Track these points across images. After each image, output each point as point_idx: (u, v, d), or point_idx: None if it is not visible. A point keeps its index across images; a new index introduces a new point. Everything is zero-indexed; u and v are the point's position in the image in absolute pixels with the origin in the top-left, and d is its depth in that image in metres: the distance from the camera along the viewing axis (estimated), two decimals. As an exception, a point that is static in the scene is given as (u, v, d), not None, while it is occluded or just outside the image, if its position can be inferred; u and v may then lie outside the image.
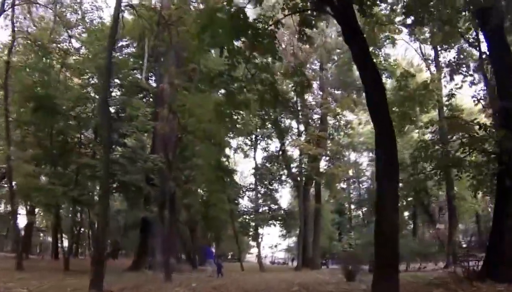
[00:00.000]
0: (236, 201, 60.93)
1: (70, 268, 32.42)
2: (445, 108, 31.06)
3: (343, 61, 49.05)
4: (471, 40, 27.22)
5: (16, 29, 36.44)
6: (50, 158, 35.29)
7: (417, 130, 45.44)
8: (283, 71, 23.12)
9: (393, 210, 13.40)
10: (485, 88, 27.33)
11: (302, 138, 56.16)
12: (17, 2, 36.14)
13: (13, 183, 35.32)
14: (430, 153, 20.62)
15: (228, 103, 18.04)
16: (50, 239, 70.24)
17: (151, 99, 43.64)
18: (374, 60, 17.93)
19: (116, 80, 36.68)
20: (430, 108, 31.33)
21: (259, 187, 63.98)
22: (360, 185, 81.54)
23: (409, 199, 47.45)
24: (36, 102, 33.13)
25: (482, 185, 20.75)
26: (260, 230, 66.69)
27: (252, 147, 62.73)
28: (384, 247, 12.98)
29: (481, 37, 25.79)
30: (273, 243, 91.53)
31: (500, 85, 19.61)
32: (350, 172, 72.16)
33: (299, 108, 56.44)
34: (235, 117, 24.08)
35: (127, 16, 38.50)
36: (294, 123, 60.79)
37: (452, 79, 28.16)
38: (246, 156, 64.88)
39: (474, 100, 26.21)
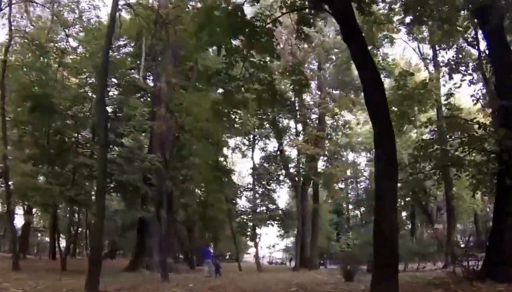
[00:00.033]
0: (234, 201, 61.05)
1: (68, 268, 32.32)
2: (443, 107, 31.03)
3: (341, 61, 48.90)
4: (470, 39, 27.16)
5: (13, 28, 36.36)
6: (47, 158, 35.11)
7: (415, 130, 45.53)
8: (281, 70, 23.06)
9: (392, 209, 13.26)
10: (484, 87, 27.29)
11: (300, 138, 56.05)
12: (14, 1, 36.08)
13: (10, 182, 35.16)
14: (429, 152, 20.54)
15: (225, 102, 17.91)
16: (48, 239, 70.07)
17: (148, 99, 43.55)
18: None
19: (114, 80, 36.60)
20: (428, 108, 31.29)
21: (257, 187, 64.16)
22: (358, 185, 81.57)
23: (407, 199, 47.48)
24: (33, 102, 32.95)
25: (481, 184, 20.66)
26: (258, 230, 66.81)
27: (250, 147, 62.78)
28: (383, 246, 12.85)
29: (480, 36, 25.84)
30: (271, 243, 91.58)
31: (500, 84, 19.50)
32: (348, 172, 72.11)
33: (297, 108, 56.36)
34: (233, 116, 23.99)
35: (125, 15, 38.38)
36: (292, 123, 60.99)
37: (451, 78, 28.04)
38: (244, 155, 65.02)
39: (473, 100, 26.20)
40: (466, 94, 29.48)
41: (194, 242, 56.85)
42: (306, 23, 17.52)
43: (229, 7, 14.75)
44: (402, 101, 24.31)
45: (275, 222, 66.51)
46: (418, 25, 26.19)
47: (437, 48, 36.31)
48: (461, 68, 28.11)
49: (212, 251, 45.81)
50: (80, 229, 60.21)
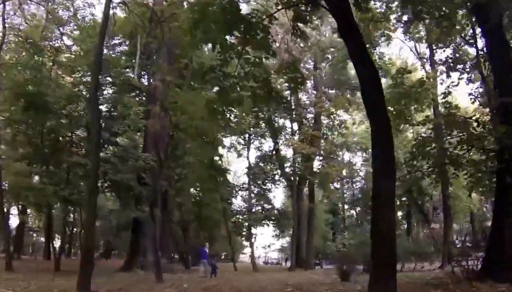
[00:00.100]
0: (229, 201, 60.81)
1: (62, 269, 32.19)
2: (440, 106, 30.90)
3: (337, 60, 48.75)
4: (467, 37, 27.03)
5: (7, 25, 36.13)
6: (41, 157, 34.89)
7: (411, 130, 45.46)
8: (277, 68, 22.82)
9: (390, 208, 13.10)
10: (481, 86, 27.15)
11: (296, 137, 55.95)
12: (7, -2, 35.85)
13: (3, 182, 34.91)
14: (427, 150, 20.38)
15: (220, 100, 17.73)
16: (43, 239, 69.87)
17: (143, 98, 43.38)
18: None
19: (108, 79, 36.36)
20: (425, 107, 31.15)
21: (252, 187, 63.90)
22: (354, 185, 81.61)
23: (403, 199, 47.38)
24: (27, 100, 32.71)
25: (479, 183, 20.51)
26: (253, 230, 66.58)
27: (246, 146, 62.60)
28: (381, 245, 12.65)
29: (478, 35, 25.71)
30: (267, 243, 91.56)
31: (499, 83, 19.38)
32: (344, 172, 72.08)
33: (293, 107, 56.20)
34: (228, 115, 23.80)
35: (120, 13, 38.20)
36: (287, 123, 60.86)
37: (448, 76, 27.91)
38: (239, 155, 64.80)
39: (470, 98, 26.05)
40: (463, 93, 29.43)
41: (190, 242, 56.72)
42: (302, 20, 17.33)
43: (224, 1, 14.52)
44: (399, 100, 24.12)
45: (271, 221, 66.24)
46: (416, 22, 26.06)
47: (434, 47, 36.28)
48: (458, 66, 28.00)
49: (207, 251, 45.57)
50: (75, 229, 59.99)
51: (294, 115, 56.98)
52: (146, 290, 20.44)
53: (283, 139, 59.86)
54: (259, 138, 62.56)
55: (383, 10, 24.87)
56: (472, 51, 29.22)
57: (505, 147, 16.71)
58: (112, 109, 36.52)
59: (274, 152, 60.23)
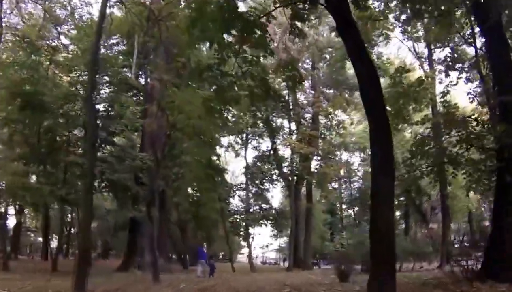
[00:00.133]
0: (227, 201, 60.65)
1: (59, 269, 32.14)
2: (439, 106, 30.84)
3: (335, 60, 48.67)
4: (466, 36, 26.97)
5: (4, 24, 35.98)
6: (37, 157, 34.75)
7: (409, 130, 45.42)
8: (275, 67, 22.75)
9: (388, 206, 13.08)
10: (480, 85, 27.08)
11: (294, 137, 55.77)
12: (4, -4, 35.75)
13: (0, 182, 34.81)
14: (426, 149, 20.30)
15: (217, 99, 17.65)
16: (40, 239, 69.74)
17: (141, 98, 43.28)
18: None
19: (106, 78, 36.25)
20: (423, 107, 31.08)
21: (250, 186, 63.85)
22: (352, 185, 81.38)
23: (401, 199, 47.32)
24: (23, 100, 32.56)
25: (478, 182, 20.43)
26: (251, 230, 66.47)
27: (243, 146, 62.44)
28: (379, 244, 12.61)
29: (477, 34, 25.63)
30: (264, 243, 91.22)
31: (499, 82, 19.29)
32: (342, 172, 71.96)
33: (291, 107, 56.09)
34: (226, 114, 23.69)
35: (117, 12, 38.15)
36: (285, 123, 60.66)
37: (447, 75, 27.82)
38: (237, 155, 64.60)
39: (469, 98, 25.96)
40: (461, 92, 29.32)
41: (187, 242, 56.62)
42: (300, 18, 17.26)
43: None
44: (397, 99, 24.05)
45: (269, 221, 66.16)
46: (415, 20, 26.01)
47: (432, 47, 36.26)
48: (457, 65, 27.94)
49: (205, 251, 45.47)
50: (73, 229, 59.84)
51: (292, 115, 56.90)
52: (143, 290, 20.38)
53: (281, 139, 59.68)
54: (257, 138, 62.38)
55: (381, 9, 24.74)
56: (470, 50, 29.25)
57: (504, 146, 16.63)
58: (109, 108, 36.41)
59: (272, 152, 60.05)
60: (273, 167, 61.53)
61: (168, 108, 32.05)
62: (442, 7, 20.43)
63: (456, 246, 41.04)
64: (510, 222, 16.30)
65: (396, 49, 77.11)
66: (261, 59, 17.09)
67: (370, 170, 15.10)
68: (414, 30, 33.12)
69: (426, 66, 42.64)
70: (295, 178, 56.59)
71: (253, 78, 16.95)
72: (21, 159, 35.75)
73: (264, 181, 64.06)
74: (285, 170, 59.21)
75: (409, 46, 45.08)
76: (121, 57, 42.29)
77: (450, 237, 46.17)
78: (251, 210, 63.52)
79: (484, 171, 19.41)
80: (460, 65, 28.10)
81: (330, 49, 51.50)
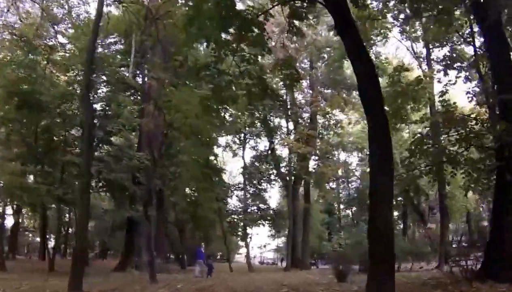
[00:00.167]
0: (225, 201, 60.49)
1: (57, 269, 31.98)
2: (437, 105, 30.78)
3: (333, 59, 48.59)
4: (465, 36, 26.94)
5: (1, 23, 35.88)
6: (34, 156, 34.65)
7: (407, 130, 45.40)
8: (272, 66, 22.66)
9: (387, 205, 13.03)
10: (479, 84, 27.04)
11: (292, 137, 55.73)
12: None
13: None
14: (425, 148, 20.24)
15: (214, 98, 17.56)
16: (38, 239, 69.59)
17: (139, 97, 43.17)
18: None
19: (103, 77, 36.16)
20: (422, 106, 31.03)
21: (248, 186, 63.75)
22: (349, 185, 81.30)
23: (399, 199, 47.26)
24: (20, 99, 32.45)
25: (477, 182, 20.35)
26: (249, 230, 66.52)
27: (241, 146, 62.34)
28: (378, 242, 12.54)
29: (476, 33, 25.60)
30: (262, 243, 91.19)
31: (498, 80, 19.27)
32: (340, 172, 71.85)
33: (288, 106, 56.00)
34: (223, 114, 23.60)
35: (114, 11, 38.09)
36: (283, 122, 60.67)
37: (446, 74, 27.78)
38: (234, 154, 64.47)
39: (468, 97, 25.91)
40: (460, 92, 29.28)
41: (185, 242, 56.54)
42: (298, 17, 17.16)
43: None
44: (396, 98, 23.98)
45: (266, 221, 66.12)
46: (413, 19, 26.00)
47: (431, 46, 36.23)
48: (456, 64, 27.92)
49: (203, 251, 45.40)
50: (70, 229, 59.70)
51: (289, 115, 56.82)
52: (140, 290, 20.29)
53: (278, 138, 59.77)
54: (254, 137, 62.36)
55: (380, 8, 24.69)
56: (468, 50, 29.21)
57: (505, 144, 16.55)
58: (107, 108, 36.34)
59: (269, 152, 60.10)
60: (271, 166, 61.61)
61: (165, 107, 31.97)
62: (441, 6, 20.34)
63: (454, 246, 41.01)
64: (510, 220, 16.25)
65: (394, 49, 77.31)
66: (259, 58, 17.02)
67: (368, 169, 15.04)
68: (413, 30, 33.13)
69: (424, 66, 42.55)
70: (293, 177, 56.59)
71: (251, 77, 16.84)
72: (18, 159, 35.60)
73: (262, 180, 64.07)
74: (283, 169, 59.32)
75: (407, 46, 45.07)
76: (118, 56, 42.14)
77: (448, 237, 46.11)
78: (249, 210, 63.47)
79: (483, 170, 19.35)
80: (459, 64, 28.08)
81: (328, 49, 51.41)
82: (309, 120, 56.80)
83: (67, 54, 38.28)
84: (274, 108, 53.62)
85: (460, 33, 26.72)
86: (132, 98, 42.90)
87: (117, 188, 35.57)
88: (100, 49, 38.90)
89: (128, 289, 20.44)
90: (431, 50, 38.67)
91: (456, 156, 19.04)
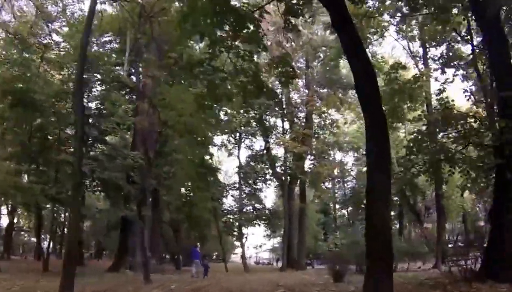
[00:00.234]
0: (220, 201, 60.34)
1: (51, 269, 31.68)
2: (434, 104, 30.69)
3: (329, 58, 48.48)
4: (462, 34, 26.86)
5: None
6: (29, 155, 34.46)
7: (403, 130, 45.34)
8: (268, 64, 22.50)
9: (384, 203, 12.88)
10: (476, 83, 26.95)
11: (287, 136, 55.59)
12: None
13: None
14: (425, 145, 20.10)
15: (209, 96, 17.37)
16: (34, 239, 69.43)
17: (133, 96, 42.99)
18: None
19: (98, 76, 36.00)
20: (418, 105, 30.96)
21: (243, 186, 63.66)
22: (345, 185, 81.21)
23: (395, 199, 47.16)
24: (15, 97, 32.23)
25: (476, 181, 20.23)
26: (244, 230, 66.57)
27: (236, 145, 62.20)
28: (375, 240, 12.45)
29: (474, 31, 25.49)
30: (258, 243, 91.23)
31: (498, 78, 19.12)
32: (335, 171, 71.76)
33: (284, 105, 55.90)
34: (218, 112, 23.40)
35: (109, 8, 37.95)
36: (279, 122, 60.67)
37: (443, 72, 27.71)
38: (230, 154, 64.39)
39: (465, 95, 25.80)
40: (456, 92, 29.21)
41: (181, 242, 56.36)
42: (294, 13, 16.98)
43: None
44: (392, 96, 23.89)
45: (262, 221, 66.18)
46: (410, 16, 25.91)
47: (427, 45, 36.16)
48: (454, 62, 27.84)
49: (198, 251, 45.24)
50: (66, 229, 59.54)
51: (285, 114, 56.72)
52: (133, 291, 20.11)
53: (274, 138, 59.67)
54: (250, 137, 62.35)
55: (376, 5, 24.58)
56: (465, 49, 29.11)
57: (505, 142, 16.39)
58: (101, 107, 36.18)
59: (265, 151, 60.01)
60: (267, 166, 61.51)
61: (160, 106, 31.79)
62: (439, 2, 20.22)
63: (450, 246, 40.92)
64: (510, 219, 16.09)
65: (390, 48, 77.00)
66: (254, 55, 16.87)
67: (364, 169, 14.93)
68: (409, 29, 33.05)
69: (420, 65, 42.51)
70: (288, 177, 56.49)
71: (246, 74, 16.66)
72: (13, 158, 35.41)
73: (257, 180, 64.09)
74: (278, 169, 59.19)
75: (403, 45, 44.98)
76: (113, 55, 41.98)
77: (444, 237, 46.06)
78: (244, 210, 63.45)
79: (482, 168, 19.19)
80: (456, 62, 28.00)
81: (324, 48, 51.30)
82: (304, 120, 56.73)
83: (62, 53, 38.10)
84: (270, 108, 53.49)
85: (458, 31, 26.59)
86: (127, 97, 42.76)
87: (112, 187, 35.36)
88: (95, 48, 38.77)
89: (121, 289, 20.31)
90: (427, 50, 38.62)
91: (454, 155, 18.90)
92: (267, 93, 20.54)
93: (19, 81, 32.66)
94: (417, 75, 26.28)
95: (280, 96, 52.99)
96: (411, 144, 20.38)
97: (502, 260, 15.63)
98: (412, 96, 25.05)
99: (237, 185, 64.99)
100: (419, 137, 20.29)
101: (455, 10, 23.12)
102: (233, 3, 15.71)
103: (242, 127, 58.24)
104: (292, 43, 45.94)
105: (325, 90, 55.49)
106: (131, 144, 40.28)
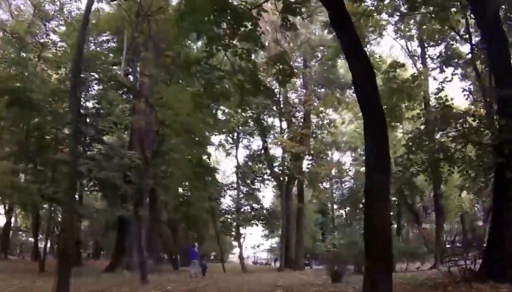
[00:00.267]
0: (218, 200, 60.20)
1: (48, 269, 31.57)
2: (432, 103, 30.63)
3: (327, 58, 48.43)
4: (461, 33, 26.80)
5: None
6: (26, 155, 34.35)
7: (400, 130, 45.30)
8: (266, 63, 22.43)
9: (383, 203, 12.76)
10: (476, 82, 26.87)
11: (285, 136, 55.54)
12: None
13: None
14: (424, 144, 20.02)
15: (206, 94, 17.26)
16: (32, 239, 69.25)
17: (131, 96, 42.89)
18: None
19: (95, 75, 35.90)
20: (417, 104, 30.88)
21: (241, 186, 63.54)
22: (343, 185, 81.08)
23: (393, 199, 47.08)
24: (12, 97, 32.09)
25: (475, 180, 20.16)
26: (242, 230, 66.55)
27: (234, 145, 62.10)
28: (375, 240, 12.29)
29: (472, 30, 25.41)
30: (256, 243, 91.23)
31: (497, 77, 19.02)
32: (333, 171, 71.66)
33: (282, 105, 55.78)
34: (216, 111, 23.30)
35: (106, 7, 37.85)
36: (276, 121, 60.57)
37: (442, 71, 27.65)
38: (227, 154, 64.24)
39: (464, 94, 25.68)
40: (454, 92, 29.07)
41: (179, 242, 56.25)
42: (292, 12, 16.88)
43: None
44: (391, 96, 23.82)
45: (260, 221, 66.06)
46: (409, 15, 25.83)
47: (426, 45, 36.12)
48: (452, 61, 27.78)
49: (196, 251, 45.09)
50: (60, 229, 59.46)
51: (283, 114, 56.62)
52: (129, 291, 19.96)
53: (272, 138, 59.68)
54: (247, 136, 62.37)
55: (375, 4, 24.49)
56: (464, 48, 29.04)
57: (505, 141, 16.29)
58: (98, 106, 36.09)
59: (263, 151, 60.01)
60: (264, 166, 61.49)
61: (157, 105, 31.67)
62: (439, 0, 20.15)
63: (448, 246, 40.86)
64: (510, 218, 15.99)
65: (388, 48, 77.11)
66: (252, 53, 16.78)
67: (362, 169, 14.82)
68: (407, 28, 32.97)
69: (419, 65, 42.46)
70: (286, 177, 56.39)
71: (243, 72, 16.56)
72: (10, 157, 35.30)
73: (255, 180, 63.97)
74: (276, 169, 59.23)
75: (402, 45, 44.93)
76: (111, 55, 41.88)
77: (443, 237, 46.03)
78: (242, 210, 63.39)
79: (481, 168, 19.10)
80: (455, 60, 27.94)
81: (322, 48, 51.29)
82: (302, 120, 56.62)
83: (59, 52, 38.00)
84: (268, 107, 53.45)
85: (456, 30, 26.52)
86: (124, 96, 42.71)
87: (109, 187, 35.30)
88: (92, 47, 38.65)
89: (118, 290, 20.17)
90: (426, 49, 38.59)
91: (453, 154, 18.81)
92: (264, 92, 20.46)
93: (16, 81, 32.63)
94: (416, 74, 26.20)
95: (278, 95, 52.90)
96: (410, 144, 20.31)
97: (502, 259, 15.54)
98: (410, 95, 25.00)
99: (235, 185, 64.87)
100: (418, 136, 20.22)
101: (453, 9, 23.11)
102: (230, 1, 15.67)
103: (240, 127, 58.21)
104: (290, 43, 45.85)
105: (323, 89, 55.53)
106: (128, 144, 40.14)
